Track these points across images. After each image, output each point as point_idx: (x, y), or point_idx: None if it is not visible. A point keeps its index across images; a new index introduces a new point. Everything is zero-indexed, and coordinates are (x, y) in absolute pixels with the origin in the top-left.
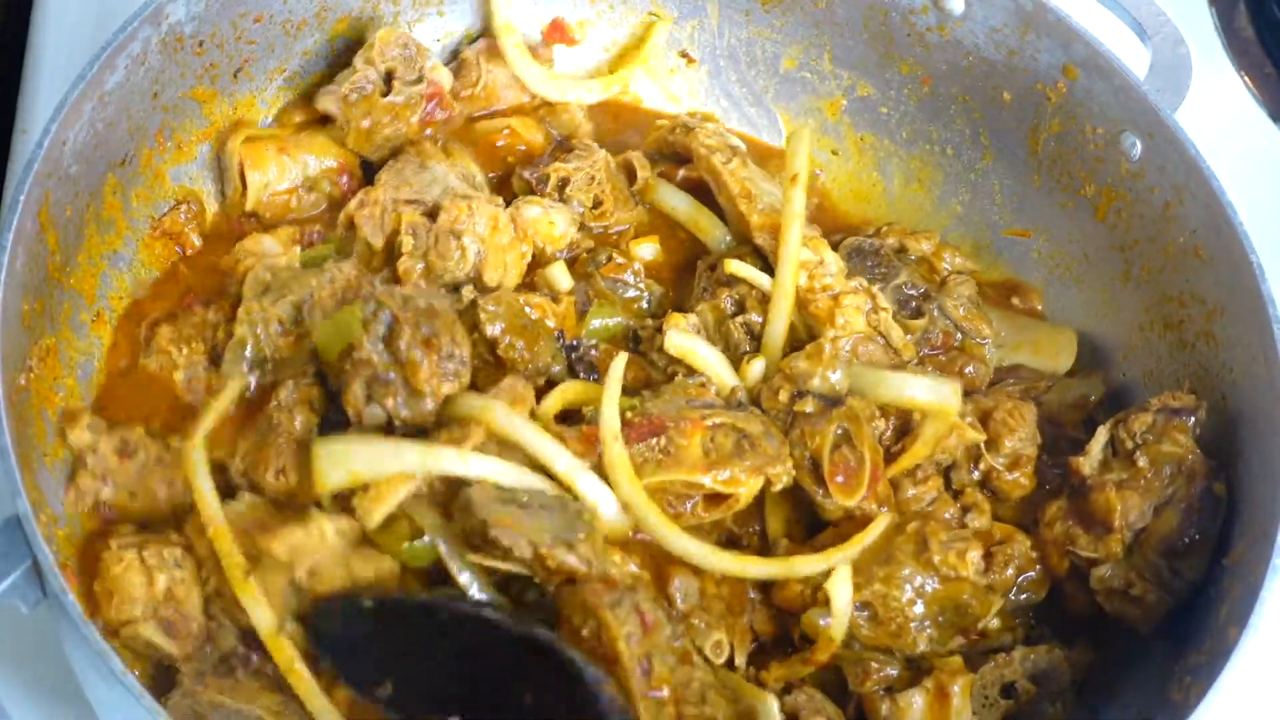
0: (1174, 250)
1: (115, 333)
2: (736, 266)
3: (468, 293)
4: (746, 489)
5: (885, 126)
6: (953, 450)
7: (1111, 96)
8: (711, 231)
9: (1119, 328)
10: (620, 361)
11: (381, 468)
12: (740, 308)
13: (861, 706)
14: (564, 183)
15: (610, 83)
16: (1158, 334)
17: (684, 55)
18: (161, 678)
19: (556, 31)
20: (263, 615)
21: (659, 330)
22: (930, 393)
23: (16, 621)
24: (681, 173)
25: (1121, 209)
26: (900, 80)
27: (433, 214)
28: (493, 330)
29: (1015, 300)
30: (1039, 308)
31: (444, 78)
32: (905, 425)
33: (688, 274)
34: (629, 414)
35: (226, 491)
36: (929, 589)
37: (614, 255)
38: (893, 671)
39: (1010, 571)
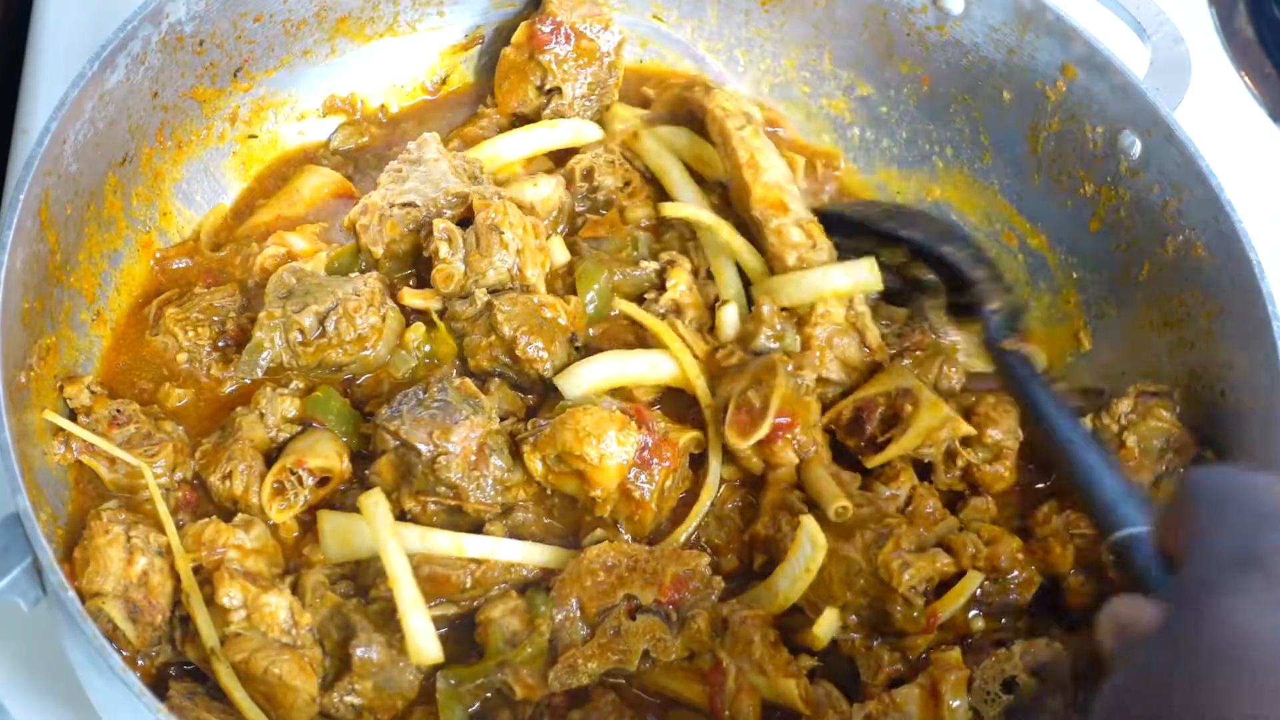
0: (1174, 249)
1: (124, 316)
2: (671, 209)
3: (480, 295)
4: None
5: (885, 126)
6: (942, 442)
7: (1111, 95)
8: (717, 167)
9: (1119, 326)
10: None
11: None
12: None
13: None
14: (589, 172)
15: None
16: (1157, 332)
17: None
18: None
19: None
20: None
21: (661, 274)
22: (847, 277)
23: (16, 619)
24: None
25: (1121, 208)
26: (900, 80)
27: (458, 220)
28: (510, 331)
29: None
30: None
31: None
32: (895, 416)
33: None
34: None
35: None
36: (859, 583)
37: (588, 216)
38: (900, 668)
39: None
